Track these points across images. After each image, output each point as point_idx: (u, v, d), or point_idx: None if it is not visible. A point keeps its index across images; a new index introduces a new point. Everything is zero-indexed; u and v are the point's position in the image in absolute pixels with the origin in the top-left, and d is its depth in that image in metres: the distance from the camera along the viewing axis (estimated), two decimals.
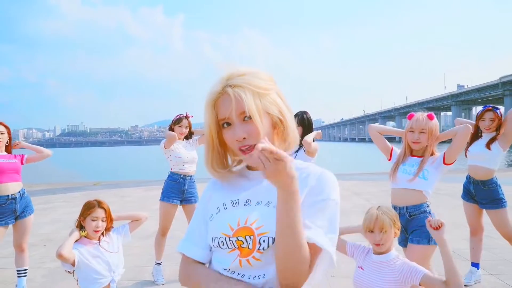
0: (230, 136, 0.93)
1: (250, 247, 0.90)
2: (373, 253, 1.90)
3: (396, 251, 1.88)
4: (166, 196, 3.62)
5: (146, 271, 3.82)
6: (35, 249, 4.62)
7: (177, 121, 3.68)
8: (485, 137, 3.22)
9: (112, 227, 2.41)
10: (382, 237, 1.81)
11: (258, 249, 0.90)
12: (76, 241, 2.23)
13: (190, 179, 3.70)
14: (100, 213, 2.25)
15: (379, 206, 1.87)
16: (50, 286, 3.55)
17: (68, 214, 7.24)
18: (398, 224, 1.85)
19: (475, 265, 3.35)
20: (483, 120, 3.18)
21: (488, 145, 3.12)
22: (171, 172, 3.70)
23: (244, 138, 0.91)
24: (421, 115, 2.38)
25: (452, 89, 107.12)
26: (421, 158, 2.38)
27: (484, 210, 3.26)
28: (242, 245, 0.91)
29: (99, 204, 2.28)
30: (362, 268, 1.91)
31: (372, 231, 1.83)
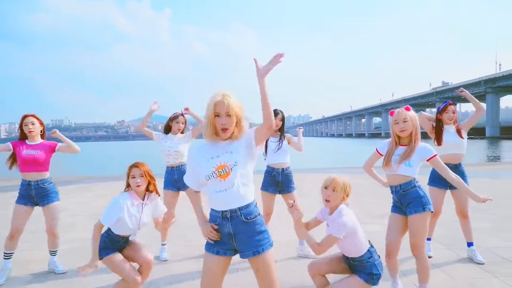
0: (219, 121, 1.97)
1: (227, 172, 1.97)
2: (329, 214, 2.44)
3: (346, 207, 2.41)
4: (165, 185, 4.17)
5: (152, 250, 4.28)
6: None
7: (174, 118, 4.16)
8: (448, 128, 3.84)
9: (157, 193, 2.85)
10: (331, 194, 2.35)
11: (230, 171, 1.97)
12: (128, 190, 2.77)
13: (179, 169, 4.13)
14: (135, 171, 2.73)
15: (339, 176, 2.42)
16: (72, 261, 4.00)
17: (72, 204, 7.63)
18: (348, 192, 2.39)
19: (429, 239, 4.01)
20: (447, 112, 3.82)
21: (460, 134, 3.80)
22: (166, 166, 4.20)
23: (225, 123, 1.96)
24: (400, 109, 2.87)
25: (437, 86, 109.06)
26: (406, 147, 2.78)
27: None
28: (220, 174, 1.97)
29: (135, 164, 2.77)
30: (327, 225, 2.46)
31: (326, 188, 2.37)
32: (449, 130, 3.83)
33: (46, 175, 3.68)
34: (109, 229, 2.77)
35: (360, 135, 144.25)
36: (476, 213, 5.78)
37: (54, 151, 3.74)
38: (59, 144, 3.78)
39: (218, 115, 1.97)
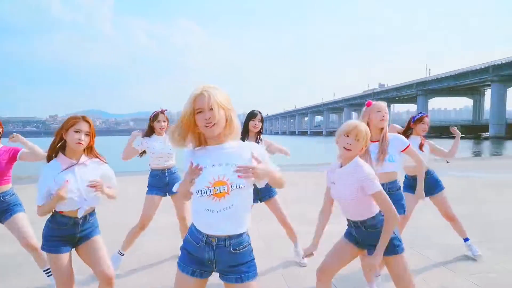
0: (201, 117, 1.58)
1: (225, 190, 1.57)
2: (339, 167, 2.14)
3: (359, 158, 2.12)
4: (150, 189, 3.72)
5: None
6: None
7: (155, 117, 3.73)
8: (413, 139, 3.71)
9: (102, 160, 2.36)
10: (353, 143, 2.03)
11: (230, 190, 1.57)
12: (55, 157, 2.25)
13: (170, 172, 3.75)
14: (84, 126, 2.21)
15: (360, 121, 2.16)
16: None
17: None
18: (367, 142, 2.08)
19: None
20: (422, 123, 3.73)
21: (420, 148, 3.69)
22: (151, 169, 3.77)
23: (210, 117, 1.56)
24: (380, 101, 2.78)
25: (374, 88, 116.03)
26: (378, 142, 2.73)
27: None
28: (216, 192, 1.56)
29: (84, 117, 2.25)
30: (334, 183, 2.16)
31: (348, 136, 2.04)
32: (414, 141, 3.67)
33: (7, 187, 3.03)
34: (54, 211, 2.27)
35: (303, 133, 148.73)
36: (432, 208, 5.96)
37: (16, 159, 3.03)
38: (22, 150, 3.05)
39: (200, 111, 1.58)
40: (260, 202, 3.65)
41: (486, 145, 33.45)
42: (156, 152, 3.68)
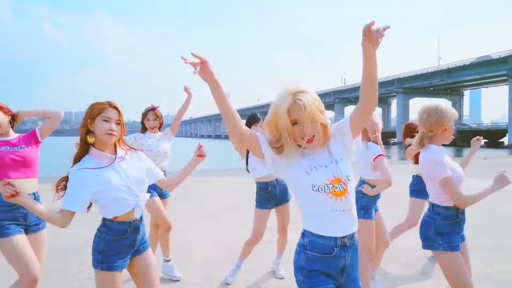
0: (298, 131, 1.46)
1: (344, 188, 1.47)
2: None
3: None
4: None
5: None
6: None
7: (144, 114, 3.49)
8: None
9: (135, 149, 2.03)
10: None
11: (347, 187, 1.48)
12: (84, 154, 1.84)
13: (165, 174, 3.32)
14: (113, 113, 1.83)
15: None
16: None
17: None
18: None
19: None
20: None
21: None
22: None
23: (309, 133, 1.44)
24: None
25: None
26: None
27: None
28: (335, 190, 1.46)
29: (110, 103, 1.84)
30: (439, 168, 2.18)
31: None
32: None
33: (37, 183, 2.46)
34: (104, 220, 1.87)
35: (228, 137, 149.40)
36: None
37: (39, 139, 2.52)
38: (37, 128, 2.55)
39: (296, 123, 1.46)
40: (278, 206, 3.40)
41: (395, 150, 37.08)
42: (153, 150, 3.40)
